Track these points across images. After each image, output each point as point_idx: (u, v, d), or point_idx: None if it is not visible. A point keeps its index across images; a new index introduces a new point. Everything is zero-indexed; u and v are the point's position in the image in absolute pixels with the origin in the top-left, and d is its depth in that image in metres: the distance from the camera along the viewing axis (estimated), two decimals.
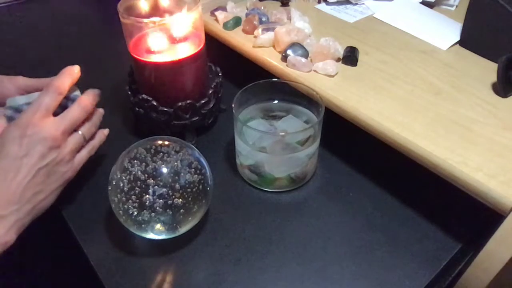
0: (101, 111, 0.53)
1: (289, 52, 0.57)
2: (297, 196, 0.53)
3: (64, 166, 0.46)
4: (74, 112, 0.47)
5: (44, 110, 0.45)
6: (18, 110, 0.48)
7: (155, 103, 0.55)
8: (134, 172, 0.42)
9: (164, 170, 0.42)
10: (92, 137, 0.51)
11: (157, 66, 0.52)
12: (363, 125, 0.50)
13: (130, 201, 0.42)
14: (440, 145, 0.45)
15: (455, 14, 0.70)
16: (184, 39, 0.54)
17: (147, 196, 0.41)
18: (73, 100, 0.49)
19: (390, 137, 0.47)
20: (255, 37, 0.62)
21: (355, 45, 0.59)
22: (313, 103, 0.53)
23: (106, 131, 0.54)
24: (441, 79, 0.55)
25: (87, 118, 0.49)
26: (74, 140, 0.47)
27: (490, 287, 0.43)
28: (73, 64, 0.49)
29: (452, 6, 0.73)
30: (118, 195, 0.42)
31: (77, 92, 0.50)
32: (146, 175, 0.42)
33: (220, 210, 0.51)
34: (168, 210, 0.42)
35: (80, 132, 0.48)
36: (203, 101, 0.57)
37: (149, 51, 0.53)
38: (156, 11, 0.55)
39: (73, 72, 0.48)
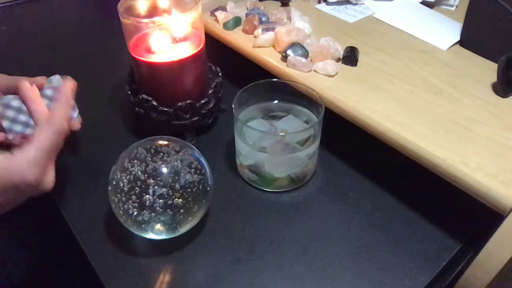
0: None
1: (289, 52, 0.57)
2: (297, 196, 0.53)
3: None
4: (58, 143, 0.43)
5: (53, 157, 0.42)
6: (7, 106, 0.47)
7: (155, 103, 0.55)
8: (134, 172, 0.42)
9: (164, 170, 0.42)
10: None
11: (157, 66, 0.52)
12: (363, 125, 0.50)
13: (130, 201, 0.42)
14: (440, 145, 0.45)
15: (455, 14, 0.70)
16: (184, 39, 0.54)
17: (147, 196, 0.41)
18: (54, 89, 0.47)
19: (390, 137, 0.47)
20: (255, 37, 0.62)
21: (355, 45, 0.59)
22: (313, 103, 0.53)
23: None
24: (441, 79, 0.55)
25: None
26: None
27: (490, 287, 0.43)
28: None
29: (452, 6, 0.73)
30: (118, 195, 0.42)
31: (59, 80, 0.48)
32: (146, 175, 0.42)
33: (220, 210, 0.51)
34: (168, 210, 0.42)
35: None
36: (203, 101, 0.57)
37: (149, 51, 0.53)
38: (156, 11, 0.55)
39: (70, 99, 0.45)
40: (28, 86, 0.46)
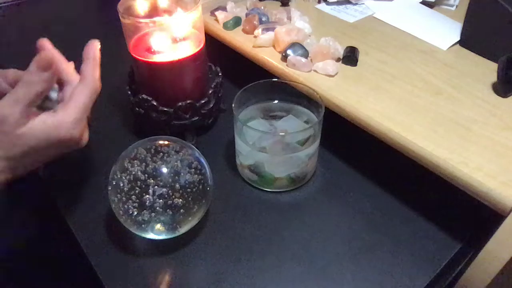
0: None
1: (289, 52, 0.57)
2: (297, 196, 0.53)
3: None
4: (91, 102, 0.45)
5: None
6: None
7: (155, 103, 0.55)
8: (134, 172, 0.42)
9: (164, 170, 0.42)
10: None
11: (157, 66, 0.52)
12: (363, 125, 0.50)
13: (130, 201, 0.42)
14: (440, 145, 0.45)
15: (455, 14, 0.70)
16: (184, 39, 0.54)
17: (147, 196, 0.41)
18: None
19: (390, 137, 0.47)
20: (255, 37, 0.62)
21: (355, 45, 0.59)
22: (313, 103, 0.53)
23: None
24: (441, 79, 0.55)
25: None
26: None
27: (490, 287, 0.43)
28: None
29: (452, 6, 0.73)
30: (118, 195, 0.42)
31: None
32: (146, 175, 0.42)
33: (220, 210, 0.51)
34: (168, 210, 0.42)
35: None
36: (203, 101, 0.57)
37: (149, 51, 0.53)
38: (156, 11, 0.55)
39: (98, 54, 0.46)
40: (51, 46, 0.48)
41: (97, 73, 0.45)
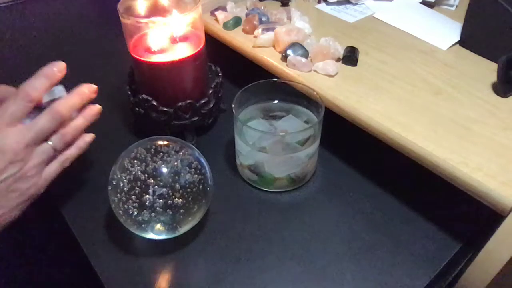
0: (86, 115, 0.46)
1: (289, 52, 0.57)
2: (297, 196, 0.53)
3: (26, 182, 0.41)
4: (42, 121, 0.42)
5: (8, 118, 0.40)
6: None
7: (155, 103, 0.55)
8: (134, 172, 0.42)
9: (164, 170, 0.42)
10: (68, 145, 0.46)
11: (157, 66, 0.52)
12: (363, 125, 0.50)
13: (130, 201, 0.42)
14: (440, 145, 0.45)
15: (455, 14, 0.70)
16: (184, 39, 0.54)
17: (147, 196, 0.41)
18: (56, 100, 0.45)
19: (390, 137, 0.47)
20: (255, 37, 0.62)
21: (355, 45, 0.59)
22: (313, 103, 0.53)
23: (89, 138, 0.48)
24: (441, 79, 0.55)
25: (62, 125, 0.44)
26: (41, 152, 0.42)
27: (490, 287, 0.43)
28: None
29: (452, 6, 0.73)
30: (118, 195, 0.42)
31: (61, 91, 0.46)
32: (146, 175, 0.42)
33: (220, 210, 0.51)
34: (168, 210, 0.42)
35: (50, 143, 0.43)
36: (203, 101, 0.57)
37: (149, 51, 0.53)
38: (156, 11, 0.55)
39: (52, 74, 0.43)
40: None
41: (34, 83, 0.42)
